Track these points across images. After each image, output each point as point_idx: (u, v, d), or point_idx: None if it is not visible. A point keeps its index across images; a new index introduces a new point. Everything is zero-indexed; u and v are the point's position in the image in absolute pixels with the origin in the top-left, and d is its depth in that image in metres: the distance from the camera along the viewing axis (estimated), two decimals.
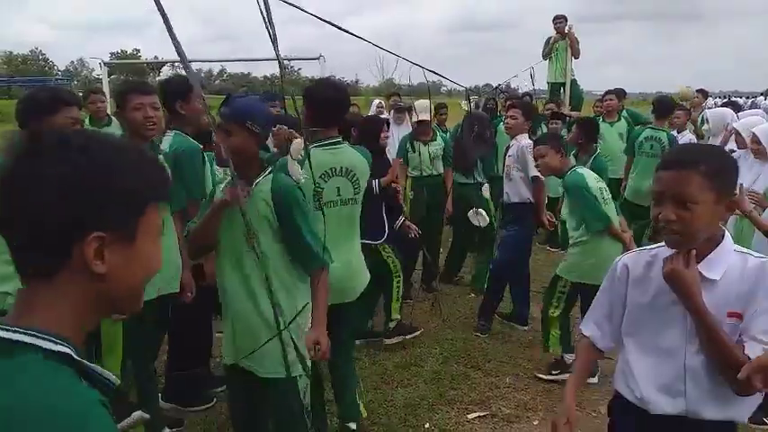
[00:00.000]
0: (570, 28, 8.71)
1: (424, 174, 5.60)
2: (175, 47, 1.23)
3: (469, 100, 7.55)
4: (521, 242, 4.96)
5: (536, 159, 4.13)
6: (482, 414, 3.67)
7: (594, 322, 2.00)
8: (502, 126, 6.74)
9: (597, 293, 2.02)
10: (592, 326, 2.01)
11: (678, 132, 7.59)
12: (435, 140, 5.62)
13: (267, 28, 1.21)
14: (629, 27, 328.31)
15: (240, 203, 2.11)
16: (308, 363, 2.41)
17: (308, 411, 2.48)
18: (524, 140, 4.85)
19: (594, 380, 3.91)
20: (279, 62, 1.33)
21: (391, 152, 5.57)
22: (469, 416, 3.65)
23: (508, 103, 7.22)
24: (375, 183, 4.08)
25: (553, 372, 4.11)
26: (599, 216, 3.85)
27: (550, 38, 9.01)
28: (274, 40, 1.28)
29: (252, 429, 2.63)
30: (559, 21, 8.93)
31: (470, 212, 5.52)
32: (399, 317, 4.56)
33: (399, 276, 4.44)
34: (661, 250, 1.79)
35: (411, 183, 5.70)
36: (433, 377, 4.12)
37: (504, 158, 5.12)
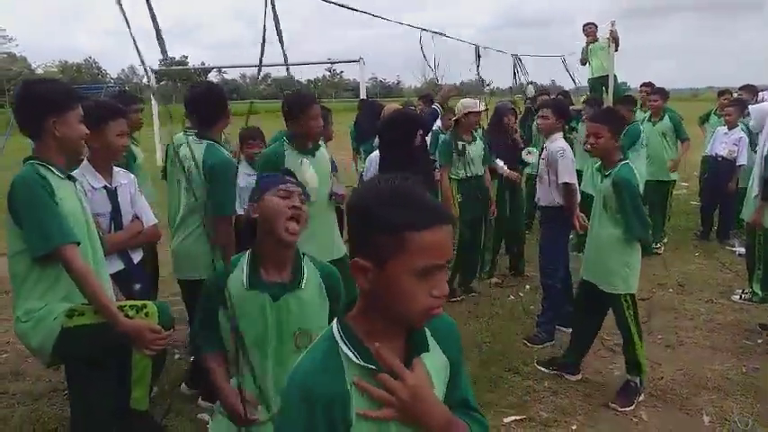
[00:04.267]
0: (613, 24, 8.55)
1: (469, 175, 5.51)
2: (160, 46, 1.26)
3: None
4: (551, 244, 4.79)
5: (588, 137, 3.77)
6: (519, 418, 3.61)
7: None
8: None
9: None
10: None
11: (729, 129, 7.34)
12: (476, 141, 5.56)
13: (277, 31, 1.22)
14: (679, 19, 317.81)
15: None
16: None
17: None
18: (558, 143, 4.67)
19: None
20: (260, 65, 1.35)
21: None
22: (506, 419, 3.59)
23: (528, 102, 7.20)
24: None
25: (637, 400, 3.74)
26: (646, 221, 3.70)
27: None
28: (280, 42, 1.30)
29: None
30: (589, 26, 9.37)
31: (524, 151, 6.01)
32: None
33: None
34: None
35: (458, 185, 5.52)
36: (470, 380, 4.06)
37: (539, 159, 5.01)
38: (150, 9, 1.24)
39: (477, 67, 5.96)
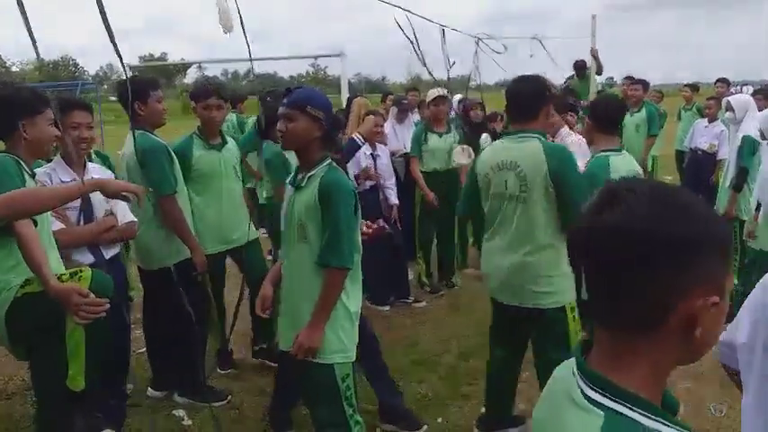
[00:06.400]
0: (594, 46, 8.39)
1: (440, 168, 5.45)
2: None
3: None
4: None
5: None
6: None
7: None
8: None
9: None
10: None
11: (710, 122, 7.41)
12: (450, 132, 5.54)
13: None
14: (672, 13, 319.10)
15: None
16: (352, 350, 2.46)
17: (347, 400, 2.44)
18: (569, 137, 4.44)
19: None
20: (244, 59, 1.32)
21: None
22: (483, 410, 3.58)
23: None
24: None
25: None
26: None
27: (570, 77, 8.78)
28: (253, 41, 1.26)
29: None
30: (578, 64, 8.64)
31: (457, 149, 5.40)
32: None
33: None
34: None
35: (426, 178, 5.44)
36: (449, 373, 4.08)
37: None
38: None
39: (475, 57, 6.02)
